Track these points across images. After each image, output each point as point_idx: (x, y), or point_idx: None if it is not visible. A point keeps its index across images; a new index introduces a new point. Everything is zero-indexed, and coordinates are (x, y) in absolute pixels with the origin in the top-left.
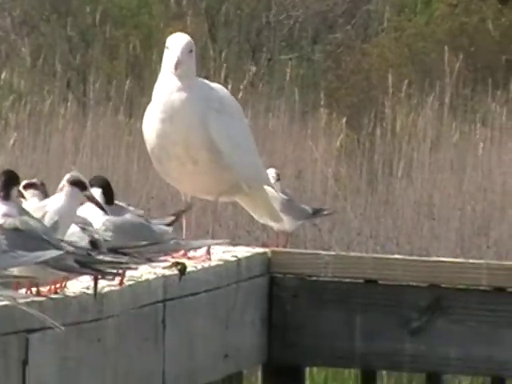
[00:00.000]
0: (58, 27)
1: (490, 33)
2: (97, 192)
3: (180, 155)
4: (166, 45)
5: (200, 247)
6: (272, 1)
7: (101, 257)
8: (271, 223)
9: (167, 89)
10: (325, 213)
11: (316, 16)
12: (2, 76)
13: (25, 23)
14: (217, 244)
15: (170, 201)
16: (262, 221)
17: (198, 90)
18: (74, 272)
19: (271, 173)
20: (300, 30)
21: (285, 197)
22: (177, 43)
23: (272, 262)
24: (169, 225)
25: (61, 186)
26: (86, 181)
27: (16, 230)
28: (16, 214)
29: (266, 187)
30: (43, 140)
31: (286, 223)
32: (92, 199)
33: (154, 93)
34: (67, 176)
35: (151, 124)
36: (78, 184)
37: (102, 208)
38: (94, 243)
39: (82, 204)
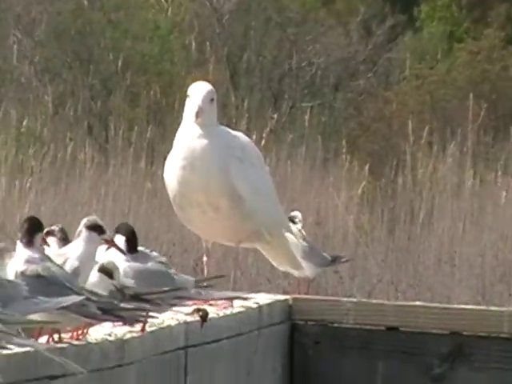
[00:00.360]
0: (80, 74)
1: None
2: (121, 240)
3: (201, 202)
4: (188, 93)
5: (221, 299)
6: (294, 48)
7: (123, 304)
8: (292, 270)
9: (188, 136)
10: (343, 260)
11: (338, 63)
12: (25, 123)
13: (47, 70)
14: (238, 297)
15: (191, 247)
16: (282, 268)
17: (219, 138)
18: (95, 318)
19: (298, 216)
20: (322, 78)
21: (305, 243)
22: (198, 92)
23: (293, 309)
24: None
25: (78, 231)
26: (103, 224)
27: (38, 276)
28: (39, 260)
29: (287, 234)
30: (65, 187)
31: (307, 270)
32: (110, 242)
33: (175, 140)
34: (84, 221)
35: (172, 171)
36: (95, 228)
37: (121, 251)
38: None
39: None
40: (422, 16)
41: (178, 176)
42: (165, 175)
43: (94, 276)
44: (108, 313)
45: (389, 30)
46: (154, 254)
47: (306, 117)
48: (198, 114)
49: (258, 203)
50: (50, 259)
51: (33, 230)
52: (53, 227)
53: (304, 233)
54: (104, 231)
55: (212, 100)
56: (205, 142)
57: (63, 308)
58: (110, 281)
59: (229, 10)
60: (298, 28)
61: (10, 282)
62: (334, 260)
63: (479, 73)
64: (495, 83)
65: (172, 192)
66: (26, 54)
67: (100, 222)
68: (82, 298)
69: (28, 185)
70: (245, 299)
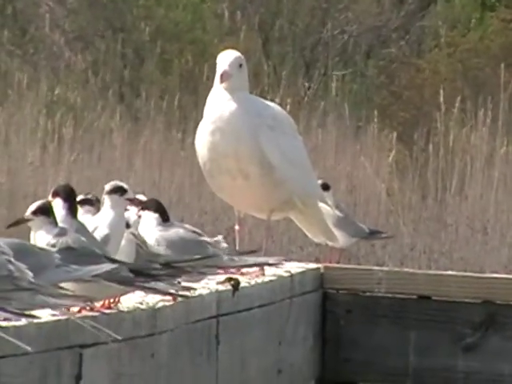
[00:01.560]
0: (113, 43)
1: None
2: (150, 216)
3: (231, 169)
4: (217, 61)
5: (254, 265)
6: (326, 16)
7: (155, 271)
8: (326, 241)
9: (217, 102)
10: (382, 235)
11: (370, 31)
12: (57, 91)
13: (79, 39)
14: (270, 263)
15: (223, 215)
16: (316, 240)
17: (249, 105)
18: (128, 284)
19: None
20: (354, 46)
21: (339, 213)
22: (225, 58)
23: (325, 278)
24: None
25: (102, 199)
26: (124, 184)
27: (69, 248)
28: (69, 231)
29: (320, 205)
30: (97, 155)
31: (340, 239)
32: (134, 200)
33: (205, 107)
34: (105, 188)
35: (202, 137)
36: (116, 191)
37: (144, 207)
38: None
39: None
40: None
41: (208, 141)
42: (196, 142)
43: (125, 245)
44: (141, 275)
45: None
46: (186, 226)
47: (334, 84)
48: (223, 77)
49: (289, 171)
50: (83, 227)
51: (66, 198)
52: (88, 196)
53: (330, 205)
54: (126, 190)
55: (241, 66)
56: (234, 106)
57: (96, 276)
58: (142, 250)
59: None
60: None
61: (42, 249)
62: (373, 233)
63: (511, 41)
64: None
65: (202, 158)
66: (58, 22)
67: (120, 184)
68: (114, 266)
69: (61, 153)
70: (277, 265)
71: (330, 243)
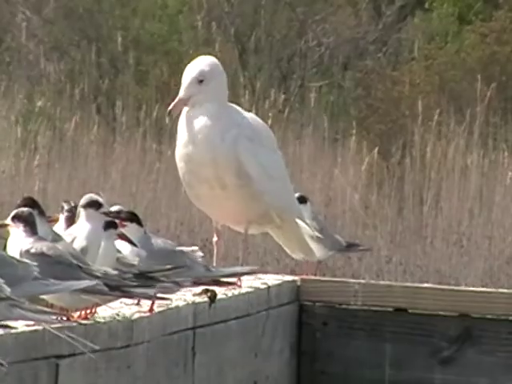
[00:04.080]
0: (88, 53)
1: None
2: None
3: (209, 178)
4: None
5: (230, 275)
6: (303, 28)
7: (130, 282)
8: (304, 256)
9: (190, 114)
10: (360, 248)
11: (347, 43)
12: (39, 103)
13: (55, 48)
14: (247, 273)
15: (199, 227)
16: (294, 255)
17: (225, 114)
18: (104, 295)
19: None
20: (331, 57)
21: (316, 226)
22: (183, 79)
23: (301, 290)
24: None
25: (78, 211)
26: (99, 198)
27: (43, 255)
28: (43, 239)
29: (298, 221)
30: (71, 165)
31: (317, 252)
32: (109, 214)
33: (179, 121)
34: (81, 202)
35: (179, 149)
36: (92, 205)
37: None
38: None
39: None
40: None
41: (184, 153)
42: (175, 154)
43: (101, 254)
44: (115, 289)
45: (398, 10)
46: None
47: (313, 95)
48: (175, 107)
49: (267, 184)
50: (59, 237)
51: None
52: (63, 204)
53: (307, 221)
54: (101, 205)
55: (201, 81)
56: (207, 116)
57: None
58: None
59: None
60: (308, 7)
61: (19, 261)
62: (350, 246)
63: (488, 54)
64: (505, 65)
65: (181, 170)
66: (34, 32)
67: (95, 198)
68: (93, 282)
69: (35, 162)
70: (254, 273)
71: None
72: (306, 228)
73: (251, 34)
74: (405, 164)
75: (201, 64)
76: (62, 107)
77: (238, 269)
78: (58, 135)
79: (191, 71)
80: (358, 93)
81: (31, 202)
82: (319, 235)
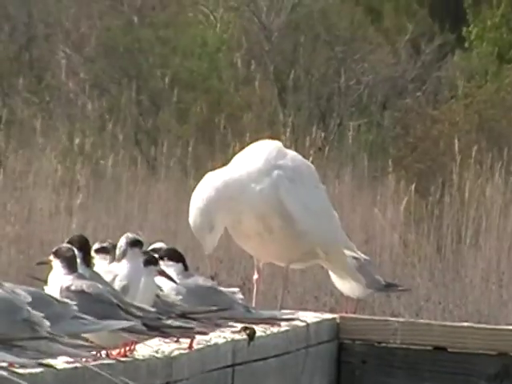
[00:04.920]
0: (128, 90)
1: None
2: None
3: (257, 227)
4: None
5: (269, 319)
6: (342, 66)
7: (170, 321)
8: (348, 291)
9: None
10: (398, 289)
11: (386, 82)
12: (77, 141)
13: (95, 86)
14: (286, 319)
15: (238, 265)
16: (341, 287)
17: (268, 158)
18: (143, 335)
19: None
20: (369, 96)
21: (356, 262)
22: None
23: (340, 328)
24: None
25: (119, 248)
26: (140, 238)
27: (83, 292)
28: (84, 277)
29: (345, 251)
30: (113, 202)
31: (356, 290)
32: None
33: None
34: (123, 239)
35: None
36: (136, 244)
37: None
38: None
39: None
40: (471, 36)
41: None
42: None
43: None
44: (154, 329)
45: (437, 48)
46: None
47: (351, 134)
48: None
49: (310, 223)
50: (97, 276)
51: (80, 248)
52: (104, 244)
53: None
54: (142, 244)
55: (212, 228)
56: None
57: None
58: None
59: (277, 27)
60: (346, 46)
61: (58, 300)
62: (389, 286)
63: None
64: None
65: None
66: (74, 69)
67: (137, 237)
68: (132, 323)
69: (78, 201)
70: (293, 320)
71: (345, 293)
72: (348, 262)
73: (290, 72)
74: (443, 202)
75: (198, 219)
76: (103, 144)
77: (277, 313)
78: (98, 173)
79: (195, 228)
80: (397, 131)
81: (78, 240)
82: (358, 270)
